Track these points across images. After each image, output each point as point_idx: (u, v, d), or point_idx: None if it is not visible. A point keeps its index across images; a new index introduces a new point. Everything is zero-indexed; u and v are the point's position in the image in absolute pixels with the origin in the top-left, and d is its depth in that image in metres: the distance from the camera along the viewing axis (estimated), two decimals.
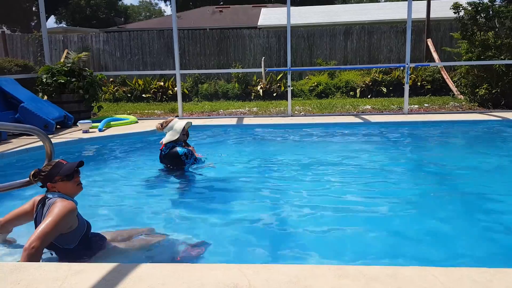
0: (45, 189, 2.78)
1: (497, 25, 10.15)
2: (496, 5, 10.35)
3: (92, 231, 2.83)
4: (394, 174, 4.97)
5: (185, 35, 16.44)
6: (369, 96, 13.82)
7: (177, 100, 9.73)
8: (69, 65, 8.91)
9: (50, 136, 6.69)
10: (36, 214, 2.70)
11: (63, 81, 8.53)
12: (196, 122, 8.66)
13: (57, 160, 2.81)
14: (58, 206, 2.54)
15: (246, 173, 5.07)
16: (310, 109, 10.89)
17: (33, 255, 2.35)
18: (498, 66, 9.63)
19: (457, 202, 3.99)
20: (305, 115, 9.59)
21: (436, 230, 3.31)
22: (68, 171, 2.76)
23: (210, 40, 16.52)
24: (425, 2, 16.15)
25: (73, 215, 2.59)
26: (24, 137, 6.92)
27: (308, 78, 15.33)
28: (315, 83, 14.41)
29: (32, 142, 6.38)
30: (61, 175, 2.73)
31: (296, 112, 10.33)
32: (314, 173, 4.98)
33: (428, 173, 5.07)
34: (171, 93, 14.18)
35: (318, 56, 16.29)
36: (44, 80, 8.53)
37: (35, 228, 2.58)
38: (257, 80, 14.74)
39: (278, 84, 14.41)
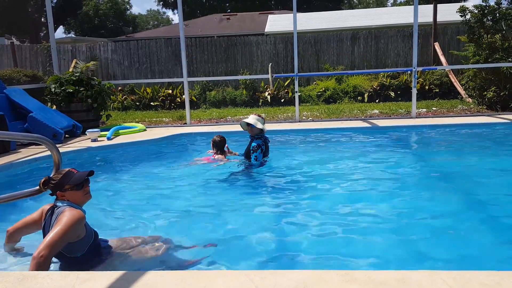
0: (54, 197, 2.80)
1: (504, 28, 10.09)
2: (503, 8, 10.30)
3: (100, 238, 2.84)
4: (402, 178, 4.94)
5: (193, 43, 16.54)
6: (377, 101, 13.78)
7: (185, 108, 9.78)
8: (77, 74, 8.99)
9: (58, 145, 6.77)
10: (45, 222, 2.71)
11: (71, 90, 8.62)
12: (204, 129, 8.70)
13: (67, 169, 2.82)
14: (66, 215, 2.56)
15: (252, 179, 5.07)
16: (318, 114, 10.87)
17: (42, 264, 2.36)
18: (506, 69, 9.57)
19: (465, 206, 3.96)
20: (313, 121, 9.58)
21: (445, 233, 3.27)
22: (78, 181, 2.77)
23: (217, 47, 16.59)
24: (432, 6, 16.10)
25: (81, 224, 2.60)
26: (33, 146, 6.99)
27: (315, 83, 15.33)
28: (323, 89, 14.40)
29: (41, 151, 6.44)
30: (70, 184, 2.74)
31: (304, 117, 10.32)
32: (321, 178, 4.96)
33: (436, 176, 5.03)
34: (179, 100, 14.26)
35: (325, 62, 16.28)
36: (53, 89, 8.63)
37: (44, 237, 2.59)
38: (265, 87, 14.77)
39: (286, 90, 14.43)
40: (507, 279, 2.04)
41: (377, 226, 3.44)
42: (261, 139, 5.43)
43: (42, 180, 2.78)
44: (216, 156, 5.74)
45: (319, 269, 2.57)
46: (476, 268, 2.50)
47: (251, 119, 5.38)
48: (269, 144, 5.63)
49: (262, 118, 5.47)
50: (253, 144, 5.37)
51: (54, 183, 2.74)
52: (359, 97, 14.06)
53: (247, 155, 5.50)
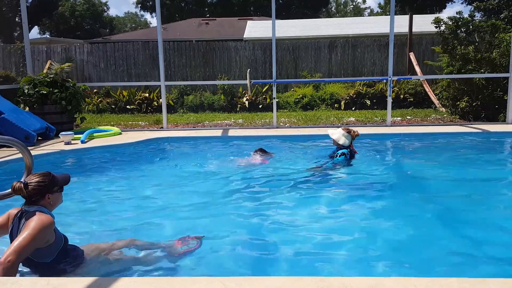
0: (20, 202, 2.67)
1: (477, 40, 10.38)
2: (476, 20, 10.61)
3: (70, 244, 2.75)
4: (376, 185, 5.00)
5: (171, 47, 16.45)
6: (353, 109, 13.96)
7: (162, 112, 9.70)
8: (51, 76, 8.80)
9: (31, 147, 6.61)
10: (12, 227, 2.61)
11: (45, 92, 8.43)
12: (181, 133, 8.64)
13: (48, 172, 2.73)
14: (35, 220, 2.47)
15: (228, 184, 5.04)
16: (295, 120, 10.94)
17: (9, 270, 2.27)
18: (478, 80, 9.83)
19: (438, 213, 4.02)
20: (290, 127, 9.63)
21: (418, 240, 3.33)
22: (65, 182, 2.74)
23: (196, 52, 16.55)
24: (408, 16, 16.46)
25: (50, 229, 2.52)
26: (4, 148, 6.80)
27: (293, 90, 15.44)
28: (300, 95, 14.52)
29: (13, 154, 6.28)
30: (59, 185, 2.70)
31: (281, 124, 10.36)
32: (296, 185, 4.97)
33: (409, 184, 5.12)
34: (156, 104, 14.13)
35: (303, 69, 16.43)
36: (26, 91, 8.42)
37: (11, 242, 2.51)
38: (243, 92, 14.78)
39: (264, 96, 14.48)
40: (479, 286, 2.08)
41: (351, 233, 3.46)
42: (347, 149, 5.81)
43: (17, 185, 2.60)
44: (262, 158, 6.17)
45: (294, 276, 2.58)
46: (448, 275, 2.55)
47: (337, 134, 5.80)
48: (355, 153, 5.97)
49: (350, 133, 5.81)
50: (339, 151, 5.80)
51: (45, 185, 2.62)
52: (336, 105, 14.23)
53: (331, 156, 5.93)
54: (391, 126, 9.21)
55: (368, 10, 64.50)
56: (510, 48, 9.03)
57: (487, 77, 9.71)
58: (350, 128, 5.93)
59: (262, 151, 6.34)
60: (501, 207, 4.22)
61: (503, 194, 4.75)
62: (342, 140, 5.74)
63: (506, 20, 14.86)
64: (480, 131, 8.16)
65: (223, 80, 15.33)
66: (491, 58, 9.83)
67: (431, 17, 13.77)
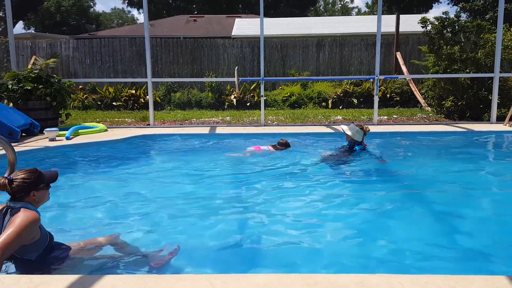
0: (5, 199, 2.64)
1: (463, 40, 10.50)
2: (462, 21, 10.72)
3: (56, 241, 2.72)
4: (361, 183, 5.03)
5: (158, 43, 16.34)
6: (340, 107, 14.03)
7: (148, 109, 9.63)
8: (36, 71, 8.68)
9: (14, 144, 6.51)
10: None
11: (29, 87, 8.30)
12: (167, 130, 8.59)
13: (35, 168, 2.70)
14: (20, 216, 2.44)
15: (215, 181, 5.03)
16: (283, 119, 10.95)
17: None
18: (463, 79, 9.94)
19: (423, 211, 4.06)
20: (278, 125, 9.64)
21: (404, 237, 3.35)
22: (52, 179, 2.70)
23: (183, 48, 16.46)
24: (395, 16, 16.57)
25: (36, 225, 2.49)
26: None
27: (281, 88, 15.46)
28: (288, 94, 14.54)
29: None
30: (45, 182, 2.66)
31: (269, 121, 10.37)
32: (284, 182, 4.98)
33: (394, 181, 5.15)
34: (143, 101, 14.03)
35: (291, 67, 16.46)
36: (10, 86, 8.28)
37: None
38: (231, 90, 14.76)
39: (252, 94, 14.47)
40: (462, 283, 2.11)
41: (337, 230, 3.48)
42: (362, 145, 6.12)
43: (3, 181, 2.56)
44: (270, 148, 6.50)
45: (280, 273, 2.58)
46: (433, 272, 2.57)
47: (351, 130, 6.03)
48: (367, 146, 6.29)
49: (362, 129, 6.09)
50: (357, 147, 6.08)
51: (30, 182, 2.58)
52: (323, 103, 14.28)
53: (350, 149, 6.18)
54: (377, 124, 9.28)
55: (356, 10, 64.92)
56: (494, 48, 9.15)
57: (472, 77, 9.83)
58: (361, 124, 6.18)
59: (283, 144, 6.55)
60: (484, 204, 4.28)
61: (487, 191, 4.81)
62: (357, 136, 6.01)
63: (491, 20, 15.08)
64: (464, 130, 8.26)
65: (211, 77, 15.28)
66: (476, 58, 9.95)
67: (417, 17, 13.90)
